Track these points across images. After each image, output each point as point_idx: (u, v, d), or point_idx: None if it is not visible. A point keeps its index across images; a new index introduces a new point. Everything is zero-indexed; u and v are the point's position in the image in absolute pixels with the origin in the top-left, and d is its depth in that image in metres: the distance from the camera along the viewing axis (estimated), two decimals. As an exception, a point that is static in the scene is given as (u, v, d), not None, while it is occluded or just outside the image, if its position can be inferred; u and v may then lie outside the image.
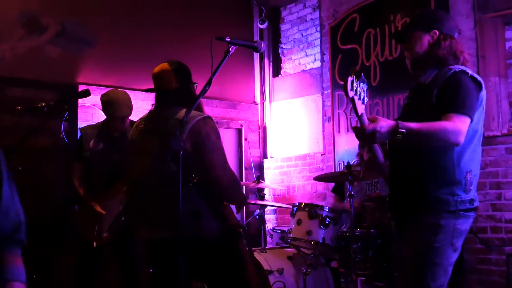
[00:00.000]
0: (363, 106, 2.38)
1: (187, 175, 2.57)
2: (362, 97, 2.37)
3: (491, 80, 4.80)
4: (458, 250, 2.56)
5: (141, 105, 5.73)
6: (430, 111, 2.52)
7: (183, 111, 2.73)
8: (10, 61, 5.07)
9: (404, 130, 2.34)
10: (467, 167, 2.54)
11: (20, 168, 3.61)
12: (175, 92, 2.93)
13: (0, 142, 4.59)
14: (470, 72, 2.59)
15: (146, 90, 3.20)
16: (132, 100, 4.20)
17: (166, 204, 2.75)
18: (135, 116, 4.29)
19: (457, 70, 2.58)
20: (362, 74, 2.36)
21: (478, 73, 4.74)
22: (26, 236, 1.87)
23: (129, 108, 4.15)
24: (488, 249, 4.64)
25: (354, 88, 2.33)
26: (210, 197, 2.82)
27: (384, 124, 2.35)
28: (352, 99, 2.34)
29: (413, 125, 2.38)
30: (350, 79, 2.31)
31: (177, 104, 2.89)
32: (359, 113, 2.38)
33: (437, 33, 2.69)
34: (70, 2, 5.50)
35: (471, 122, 2.48)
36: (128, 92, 4.29)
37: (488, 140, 4.70)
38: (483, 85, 2.60)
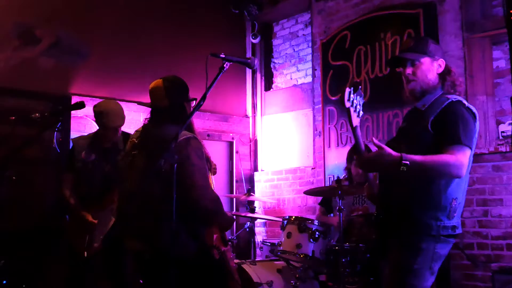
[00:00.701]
0: (358, 119, 2.42)
1: (169, 193, 2.58)
2: (358, 110, 2.42)
3: (478, 99, 4.90)
4: (435, 274, 2.61)
5: (134, 116, 5.77)
6: (424, 138, 2.57)
7: (172, 130, 2.75)
8: (4, 71, 5.08)
9: (408, 162, 2.39)
10: (453, 194, 2.59)
11: (14, 178, 3.63)
12: (166, 110, 2.96)
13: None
14: (466, 103, 2.64)
15: (140, 104, 3.23)
16: (125, 111, 4.24)
17: (148, 219, 2.80)
18: (127, 127, 4.34)
19: (454, 100, 2.63)
20: (360, 87, 2.40)
21: (466, 92, 4.86)
22: (17, 246, 1.90)
23: (122, 118, 4.18)
24: (474, 265, 4.70)
25: (351, 99, 2.37)
26: (190, 216, 2.83)
27: (388, 153, 2.41)
28: (348, 110, 2.38)
29: (416, 157, 2.43)
30: (347, 90, 2.35)
31: (167, 122, 2.92)
32: (354, 125, 2.42)
33: (444, 62, 2.75)
34: (65, 14, 5.53)
35: (471, 152, 2.54)
36: (121, 103, 4.33)
37: (475, 158, 4.75)
38: (477, 117, 2.66)
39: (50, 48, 5.42)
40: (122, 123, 4.19)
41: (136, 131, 3.12)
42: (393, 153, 2.41)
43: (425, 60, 2.72)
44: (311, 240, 4.20)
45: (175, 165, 2.47)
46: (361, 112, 2.44)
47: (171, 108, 2.96)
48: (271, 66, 7.23)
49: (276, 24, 7.24)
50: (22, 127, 3.99)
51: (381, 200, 2.79)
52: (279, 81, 7.13)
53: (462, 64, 4.93)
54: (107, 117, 4.08)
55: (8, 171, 3.53)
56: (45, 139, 5.13)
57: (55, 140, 5.22)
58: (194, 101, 3.04)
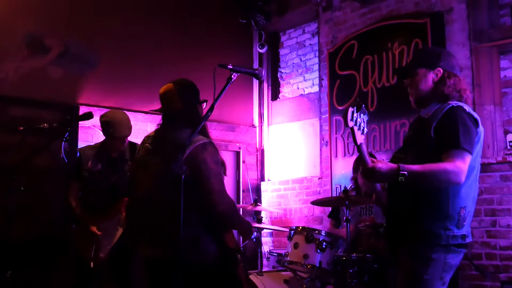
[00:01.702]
0: (363, 137, 2.45)
1: (187, 199, 2.59)
2: (362, 127, 2.44)
3: (486, 109, 4.88)
4: (446, 285, 2.61)
5: (141, 126, 5.79)
6: (428, 144, 2.59)
7: (187, 133, 2.74)
8: (14, 81, 5.13)
9: (405, 173, 2.42)
10: (462, 203, 2.59)
11: (22, 188, 3.64)
12: (180, 114, 2.94)
13: (3, 161, 4.63)
14: (467, 109, 2.65)
15: (150, 112, 3.23)
16: (132, 121, 4.25)
17: (165, 225, 2.77)
18: (134, 137, 4.35)
19: (455, 105, 2.65)
20: (363, 106, 2.43)
21: (473, 101, 4.84)
22: (24, 256, 1.91)
23: (129, 128, 4.19)
24: (482, 276, 4.66)
25: (354, 118, 2.40)
26: (209, 222, 2.84)
27: (383, 166, 2.46)
28: (352, 129, 2.41)
29: (414, 167, 2.45)
30: (350, 110, 2.38)
31: (182, 125, 2.90)
32: (358, 143, 2.45)
33: (441, 71, 2.76)
34: (74, 23, 5.58)
35: (471, 157, 2.55)
36: (128, 113, 4.34)
37: (483, 168, 4.72)
38: (480, 122, 2.66)
39: (59, 57, 5.46)
40: (129, 133, 4.20)
41: (147, 136, 3.09)
42: (390, 164, 2.46)
43: (420, 71, 2.78)
44: (318, 250, 4.18)
45: (183, 176, 2.46)
46: (365, 130, 2.48)
47: (186, 111, 2.94)
48: (278, 75, 7.25)
49: (283, 34, 7.26)
50: (30, 136, 4.02)
51: (389, 209, 2.79)
52: (286, 90, 7.14)
53: (469, 74, 4.92)
54: (114, 127, 4.09)
55: (16, 181, 3.54)
56: (53, 149, 5.15)
57: (62, 150, 5.24)
58: (205, 103, 3.03)
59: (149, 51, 6.06)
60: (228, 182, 6.79)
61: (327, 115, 6.18)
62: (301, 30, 7.03)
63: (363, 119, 2.44)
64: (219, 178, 2.85)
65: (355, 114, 2.40)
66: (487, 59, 4.97)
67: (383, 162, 2.47)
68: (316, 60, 6.62)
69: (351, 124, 2.39)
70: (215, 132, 6.66)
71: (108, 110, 4.56)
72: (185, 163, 2.67)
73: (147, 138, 3.09)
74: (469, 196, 2.64)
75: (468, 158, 2.52)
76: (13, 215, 3.60)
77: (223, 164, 3.01)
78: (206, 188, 2.78)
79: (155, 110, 3.09)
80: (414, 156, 2.61)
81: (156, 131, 3.06)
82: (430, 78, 2.77)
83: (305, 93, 6.85)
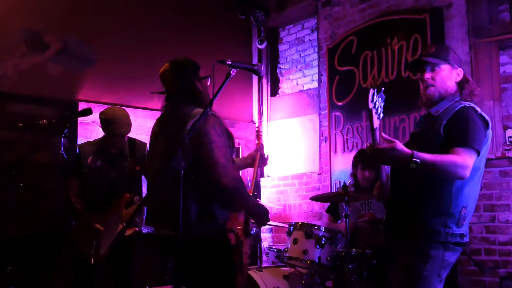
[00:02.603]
0: (379, 121, 2.43)
1: (190, 173, 2.54)
2: (379, 112, 2.42)
3: (485, 104, 4.88)
4: (443, 281, 2.62)
5: (140, 122, 5.80)
6: (437, 142, 2.59)
7: (189, 109, 2.76)
8: (12, 77, 5.12)
9: (418, 160, 2.41)
10: (463, 202, 2.61)
11: (21, 184, 3.65)
12: (178, 92, 2.96)
13: (2, 158, 4.63)
14: (479, 110, 2.66)
15: (153, 93, 3.24)
16: (131, 117, 4.25)
17: (172, 203, 2.72)
18: (134, 133, 4.36)
19: (467, 105, 2.65)
20: (383, 89, 2.41)
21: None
22: (24, 252, 1.91)
23: (129, 125, 4.19)
24: (481, 271, 4.67)
25: (374, 101, 2.38)
26: (207, 196, 2.78)
27: (399, 148, 2.42)
28: (370, 111, 2.39)
29: (427, 156, 2.45)
30: (371, 91, 2.36)
31: (183, 102, 2.92)
32: (374, 127, 2.42)
33: (462, 71, 2.77)
34: (72, 20, 5.57)
35: (478, 156, 2.56)
36: (128, 109, 4.34)
37: (482, 163, 4.76)
38: (490, 125, 2.67)
39: (58, 54, 5.45)
40: (129, 130, 4.21)
41: (157, 119, 3.15)
42: (405, 149, 2.43)
43: (445, 67, 2.74)
44: (318, 246, 4.19)
45: (182, 172, 2.45)
46: (381, 114, 2.44)
47: (183, 88, 2.95)
48: (277, 71, 7.24)
49: (282, 30, 7.25)
50: (29, 133, 4.01)
51: (391, 202, 2.79)
52: (285, 86, 7.14)
53: (468, 69, 4.91)
54: (115, 124, 4.09)
55: (15, 177, 3.54)
56: (52, 145, 5.15)
57: (62, 146, 5.25)
58: (209, 79, 3.00)
59: (148, 47, 6.05)
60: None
61: (327, 111, 6.18)
62: (300, 25, 7.02)
63: (380, 103, 2.42)
64: (223, 151, 2.77)
65: (375, 96, 2.37)
66: (486, 55, 4.97)
67: (398, 143, 2.42)
68: (316, 56, 6.62)
69: (371, 106, 2.36)
70: (215, 128, 6.64)
71: (107, 106, 4.56)
72: (188, 139, 2.59)
73: (156, 122, 3.15)
74: (471, 196, 2.66)
75: (475, 157, 2.54)
76: (13, 211, 3.61)
77: (230, 136, 2.95)
78: (209, 161, 2.71)
79: (157, 92, 3.10)
80: (419, 152, 2.60)
81: (162, 113, 3.09)
82: (454, 76, 2.75)
83: (305, 89, 6.85)
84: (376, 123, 2.42)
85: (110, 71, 5.79)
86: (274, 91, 7.21)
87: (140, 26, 6.03)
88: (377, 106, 2.40)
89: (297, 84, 6.99)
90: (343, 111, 5.95)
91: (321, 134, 6.29)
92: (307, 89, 6.79)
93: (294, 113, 6.83)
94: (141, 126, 5.76)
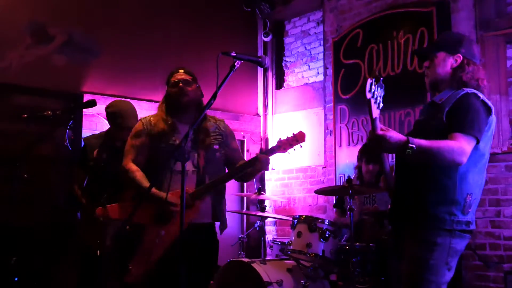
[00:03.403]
0: (378, 111, 2.42)
1: None
2: (378, 101, 2.41)
3: (492, 98, 4.84)
4: (453, 270, 2.61)
5: (145, 114, 5.77)
6: (440, 129, 2.58)
7: None
8: (17, 69, 5.13)
9: (414, 146, 2.40)
10: (468, 189, 2.59)
11: (25, 176, 3.66)
12: None
13: (6, 150, 4.64)
14: (481, 96, 2.64)
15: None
16: (136, 109, 4.25)
17: None
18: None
19: (469, 92, 2.64)
20: (381, 79, 2.40)
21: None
22: (29, 243, 1.91)
23: (136, 118, 4.19)
24: (486, 266, 4.66)
25: (372, 90, 2.37)
26: None
27: (394, 135, 2.42)
28: (369, 101, 2.37)
29: (423, 142, 2.44)
30: (369, 81, 2.35)
31: None
32: (373, 117, 2.41)
33: (461, 57, 2.74)
34: (77, 12, 5.57)
35: (477, 144, 2.54)
36: (132, 101, 4.34)
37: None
38: (493, 111, 2.65)
39: (63, 46, 5.45)
40: (136, 122, 4.21)
41: None
42: (400, 135, 2.44)
43: (440, 55, 2.76)
44: (322, 239, 4.18)
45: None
46: (381, 104, 2.43)
47: None
48: (283, 64, 7.22)
49: (288, 23, 7.22)
50: (34, 124, 4.02)
51: (396, 192, 2.79)
52: (290, 79, 7.11)
53: (475, 63, 4.88)
54: (123, 117, 4.09)
55: (20, 168, 3.55)
56: (57, 136, 5.16)
57: (66, 138, 5.25)
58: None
59: (153, 39, 6.05)
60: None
61: (332, 104, 6.15)
62: (306, 18, 6.98)
63: (380, 93, 2.40)
64: None
65: (373, 86, 2.36)
66: (493, 48, 4.93)
67: (392, 131, 2.44)
68: (321, 49, 6.59)
69: (369, 95, 2.35)
70: (219, 121, 6.64)
71: (112, 98, 4.56)
72: None
73: None
74: (477, 184, 2.64)
75: (473, 143, 2.52)
76: (17, 202, 3.62)
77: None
78: None
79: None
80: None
81: None
82: (449, 63, 2.75)
83: (310, 82, 6.83)
84: (376, 112, 2.41)
85: (115, 63, 5.79)
86: (279, 84, 7.19)
87: (145, 18, 6.02)
88: (375, 96, 2.38)
89: (303, 77, 6.96)
90: (349, 104, 5.93)
91: (326, 128, 6.28)
92: (312, 82, 6.76)
93: (299, 106, 6.81)
94: (146, 118, 5.75)
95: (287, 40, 7.21)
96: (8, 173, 3.59)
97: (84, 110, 5.27)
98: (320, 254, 4.17)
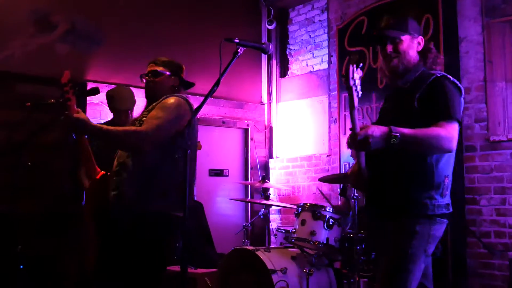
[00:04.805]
0: (357, 100, 2.34)
1: None
2: (358, 90, 2.33)
3: (498, 85, 4.81)
4: (430, 256, 2.57)
5: (148, 103, 5.77)
6: (411, 116, 2.50)
7: None
8: (21, 58, 5.12)
9: (398, 134, 2.33)
10: (445, 171, 2.54)
11: (29, 163, 3.66)
12: None
13: (10, 138, 4.65)
14: (451, 78, 2.58)
15: None
16: (139, 98, 4.26)
17: None
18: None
19: (439, 75, 2.57)
20: (361, 64, 2.33)
21: (484, 78, 4.78)
22: (34, 231, 1.92)
23: (130, 101, 4.26)
24: (491, 254, 4.65)
25: (355, 78, 2.30)
26: None
27: (376, 129, 2.34)
28: (350, 89, 2.30)
29: (406, 130, 2.37)
30: (351, 68, 2.28)
31: None
32: (355, 106, 2.33)
33: (423, 39, 2.69)
34: (80, 0, 5.55)
35: (460, 127, 2.49)
36: (136, 90, 4.35)
37: (493, 145, 4.71)
38: (463, 91, 2.60)
39: (66, 34, 5.43)
40: (132, 106, 4.26)
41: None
42: (381, 127, 2.35)
43: (406, 38, 2.65)
44: (326, 227, 4.17)
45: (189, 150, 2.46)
46: (360, 92, 2.36)
47: None
48: (287, 52, 7.18)
49: (292, 10, 7.17)
50: (37, 113, 4.01)
51: (371, 185, 2.66)
52: (294, 67, 7.08)
53: (481, 50, 4.84)
54: (116, 100, 4.24)
55: (24, 156, 3.56)
56: (61, 125, 5.15)
57: (71, 126, 5.24)
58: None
59: (157, 27, 6.02)
60: (236, 160, 6.80)
61: (336, 92, 6.13)
62: (310, 6, 6.93)
63: (358, 80, 2.30)
64: None
65: (355, 73, 2.28)
66: (499, 35, 4.88)
67: (372, 126, 2.34)
68: (325, 36, 6.55)
69: (351, 83, 2.27)
70: (223, 109, 6.63)
71: (115, 86, 4.57)
72: None
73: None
74: (450, 165, 2.58)
75: (458, 127, 2.47)
76: (21, 190, 3.62)
77: None
78: None
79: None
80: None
81: None
82: (415, 46, 2.67)
83: (314, 70, 6.79)
84: (356, 101, 2.33)
85: (118, 51, 5.78)
86: (284, 72, 7.15)
87: (149, 5, 6.00)
88: (356, 83, 2.31)
89: (307, 65, 6.93)
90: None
91: (330, 116, 6.25)
92: (317, 70, 6.73)
93: (304, 94, 6.78)
94: (150, 106, 5.74)
95: (291, 28, 7.17)
96: (12, 161, 3.60)
97: (88, 98, 5.28)
98: (324, 242, 4.16)
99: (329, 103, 6.28)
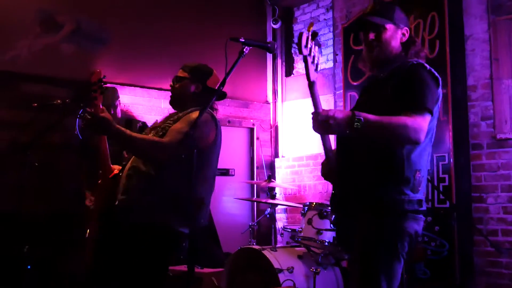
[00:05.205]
0: (316, 74, 2.22)
1: None
2: (315, 62, 2.20)
3: (504, 83, 4.79)
4: (404, 256, 2.38)
5: (154, 103, 5.79)
6: (386, 106, 2.36)
7: None
8: (27, 58, 5.14)
9: (361, 118, 2.19)
10: (416, 165, 2.39)
11: (36, 164, 3.68)
12: None
13: (17, 138, 4.67)
14: (428, 66, 2.45)
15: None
16: (145, 98, 4.28)
17: None
18: (147, 113, 4.36)
19: (415, 62, 2.46)
20: (319, 37, 2.18)
21: (491, 76, 4.75)
22: (41, 232, 1.92)
23: (114, 99, 4.38)
24: (498, 252, 4.63)
25: (309, 47, 2.15)
26: None
27: (338, 111, 2.23)
28: (305, 59, 2.17)
29: (370, 116, 2.24)
30: (305, 34, 2.14)
31: None
32: (311, 79, 2.21)
33: (408, 30, 2.57)
34: (86, 0, 5.56)
35: (431, 118, 2.36)
36: (142, 90, 4.36)
37: (500, 143, 4.69)
38: (440, 81, 2.46)
39: (71, 34, 5.44)
40: (112, 102, 4.37)
41: None
42: (343, 110, 2.24)
43: (390, 27, 2.52)
44: (332, 226, 4.17)
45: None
46: (319, 66, 2.25)
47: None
48: (292, 51, 7.18)
49: (297, 9, 7.16)
50: (44, 113, 4.03)
51: (340, 177, 2.55)
52: (299, 66, 7.07)
53: (487, 47, 4.82)
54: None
55: (30, 157, 3.57)
56: (67, 125, 5.16)
57: (77, 127, 5.25)
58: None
59: (162, 27, 6.02)
60: (242, 159, 6.80)
61: (342, 91, 6.11)
62: (315, 4, 6.92)
63: (317, 52, 2.17)
64: None
65: (309, 43, 2.14)
66: (506, 32, 4.86)
67: (335, 109, 2.21)
68: (331, 35, 6.54)
69: (305, 52, 2.12)
70: (229, 109, 6.63)
71: (121, 86, 4.60)
72: None
73: None
74: (423, 159, 2.43)
75: (429, 118, 2.32)
76: (28, 190, 3.64)
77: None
78: None
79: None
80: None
81: None
82: (399, 37, 2.55)
83: (320, 69, 6.77)
84: (314, 75, 2.20)
85: (123, 51, 5.78)
86: (289, 71, 7.15)
87: (154, 5, 6.00)
88: (312, 53, 2.17)
89: (312, 64, 6.91)
90: (359, 91, 5.87)
91: (336, 115, 6.23)
92: (322, 69, 6.71)
93: (309, 93, 6.76)
94: (155, 106, 5.75)
95: (296, 27, 7.16)
96: (18, 161, 3.61)
97: (94, 98, 5.29)
98: (331, 241, 4.16)
99: (335, 101, 6.26)
